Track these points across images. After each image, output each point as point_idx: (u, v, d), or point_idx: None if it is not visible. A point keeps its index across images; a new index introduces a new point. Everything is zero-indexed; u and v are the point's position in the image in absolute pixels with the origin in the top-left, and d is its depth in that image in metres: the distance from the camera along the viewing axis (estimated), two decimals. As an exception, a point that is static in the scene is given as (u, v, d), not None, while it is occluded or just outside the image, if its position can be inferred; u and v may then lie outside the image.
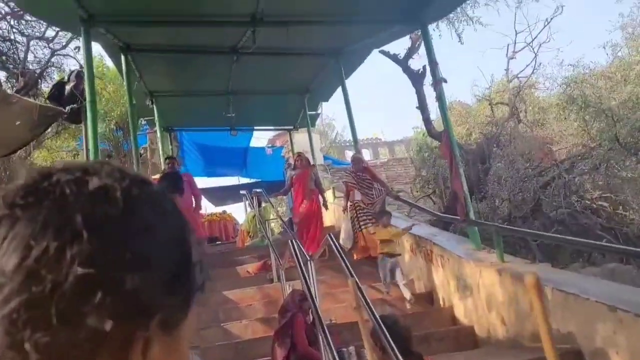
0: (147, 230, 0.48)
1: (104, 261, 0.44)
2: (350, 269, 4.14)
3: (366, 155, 37.10)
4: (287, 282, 6.68)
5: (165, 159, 8.63)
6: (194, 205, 8.09)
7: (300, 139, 16.57)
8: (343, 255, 4.29)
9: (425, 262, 6.17)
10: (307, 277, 4.07)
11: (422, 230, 6.59)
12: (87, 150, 6.02)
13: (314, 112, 13.13)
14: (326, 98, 12.36)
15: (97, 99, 12.87)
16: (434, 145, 12.69)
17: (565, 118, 10.83)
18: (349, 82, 10.07)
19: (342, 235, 7.41)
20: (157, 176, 13.00)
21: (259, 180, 19.21)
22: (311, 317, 4.92)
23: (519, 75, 12.19)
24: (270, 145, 23.95)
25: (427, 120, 7.87)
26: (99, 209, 0.46)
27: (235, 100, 11.13)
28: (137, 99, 10.45)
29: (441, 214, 7.04)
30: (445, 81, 6.02)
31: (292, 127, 14.11)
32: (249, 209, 9.79)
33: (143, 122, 13.86)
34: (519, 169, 9.84)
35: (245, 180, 21.83)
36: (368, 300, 3.97)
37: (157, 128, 12.35)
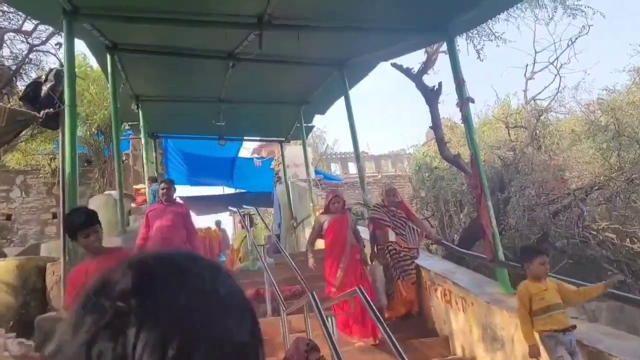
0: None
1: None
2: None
3: (352, 169, 36.66)
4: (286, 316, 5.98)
5: (161, 182, 6.90)
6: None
7: (291, 151, 15.91)
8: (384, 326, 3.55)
9: (441, 302, 5.49)
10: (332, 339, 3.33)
11: (438, 265, 5.91)
12: (64, 158, 5.27)
13: (308, 125, 12.47)
14: (323, 111, 11.76)
15: (79, 102, 12.13)
16: (435, 166, 12.14)
17: (578, 145, 10.26)
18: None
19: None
20: (140, 186, 12.27)
21: (245, 191, 18.50)
22: (318, 371, 4.23)
23: (537, 98, 11.66)
24: (256, 155, 23.23)
25: (440, 141, 7.13)
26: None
27: (227, 108, 10.49)
28: (122, 103, 9.77)
29: (471, 253, 6.34)
30: (473, 101, 5.41)
31: (284, 139, 13.50)
32: (237, 228, 9.03)
33: (126, 127, 13.13)
34: (529, 196, 9.29)
35: (230, 191, 21.07)
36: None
37: (141, 134, 11.66)
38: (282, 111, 11.38)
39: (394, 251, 5.87)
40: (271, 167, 17.04)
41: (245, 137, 14.53)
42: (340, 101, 10.74)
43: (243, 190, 18.80)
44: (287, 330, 4.83)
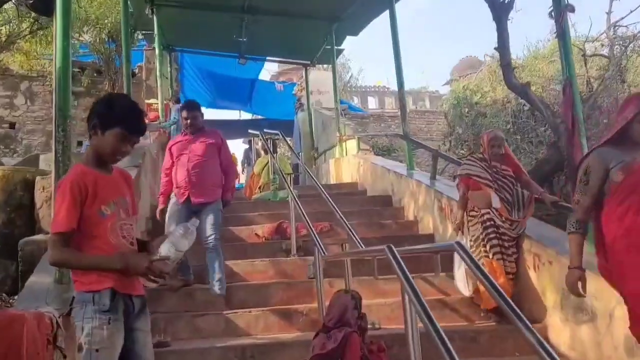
0: None
1: None
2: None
3: (372, 103, 35.21)
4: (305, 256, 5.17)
5: (182, 108, 5.15)
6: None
7: (316, 77, 14.73)
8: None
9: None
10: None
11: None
12: (56, 51, 4.28)
13: (338, 48, 11.25)
14: (356, 31, 10.61)
15: (87, 3, 10.92)
16: (476, 101, 11.02)
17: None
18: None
19: (455, 271, 4.47)
20: (152, 101, 11.30)
21: (263, 117, 17.46)
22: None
23: (618, 24, 9.99)
24: (275, 80, 21.97)
25: (507, 66, 6.05)
26: None
27: (250, 21, 9.39)
28: (134, 6, 8.72)
29: (568, 205, 5.32)
30: (573, 10, 4.26)
31: (309, 62, 12.35)
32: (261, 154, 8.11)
33: (140, 37, 12.02)
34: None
35: (247, 116, 20.04)
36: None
37: (155, 45, 10.61)
38: (311, 29, 10.21)
39: (491, 223, 4.22)
40: (293, 93, 15.90)
41: (267, 58, 13.39)
42: (371, 25, 9.62)
43: (261, 117, 17.77)
44: (321, 275, 3.98)
